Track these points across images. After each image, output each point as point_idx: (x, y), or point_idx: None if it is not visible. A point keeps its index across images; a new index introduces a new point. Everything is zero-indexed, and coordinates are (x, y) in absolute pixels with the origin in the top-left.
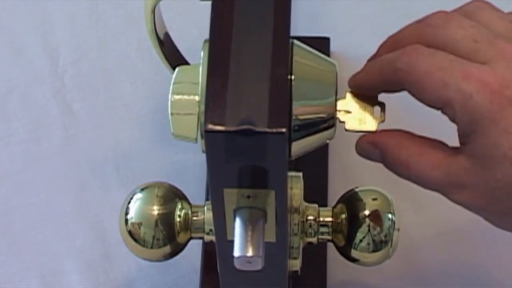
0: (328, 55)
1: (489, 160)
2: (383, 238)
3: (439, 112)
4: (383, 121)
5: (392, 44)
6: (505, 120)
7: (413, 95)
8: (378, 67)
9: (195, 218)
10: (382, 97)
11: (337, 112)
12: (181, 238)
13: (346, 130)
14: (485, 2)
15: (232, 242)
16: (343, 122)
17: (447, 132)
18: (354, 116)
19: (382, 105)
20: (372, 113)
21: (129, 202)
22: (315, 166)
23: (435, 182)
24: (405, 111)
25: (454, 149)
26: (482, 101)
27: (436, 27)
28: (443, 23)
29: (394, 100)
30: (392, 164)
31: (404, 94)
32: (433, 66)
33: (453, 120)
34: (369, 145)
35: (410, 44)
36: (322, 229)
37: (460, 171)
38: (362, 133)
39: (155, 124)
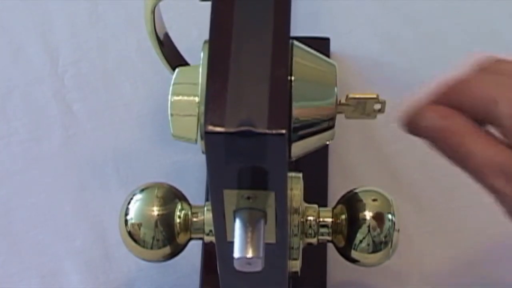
0: (328, 55)
1: None
2: (383, 239)
3: None
4: (382, 112)
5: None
6: None
7: (462, 103)
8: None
9: (195, 219)
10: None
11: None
12: (181, 238)
13: (346, 117)
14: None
15: (232, 243)
16: (342, 112)
17: None
18: (354, 106)
19: (382, 103)
20: (372, 106)
21: (129, 203)
22: (315, 167)
23: (482, 162)
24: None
25: None
26: None
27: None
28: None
29: (395, 100)
30: (448, 137)
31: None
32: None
33: (497, 121)
34: (438, 116)
35: None
36: (322, 230)
37: (509, 157)
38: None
39: (155, 124)
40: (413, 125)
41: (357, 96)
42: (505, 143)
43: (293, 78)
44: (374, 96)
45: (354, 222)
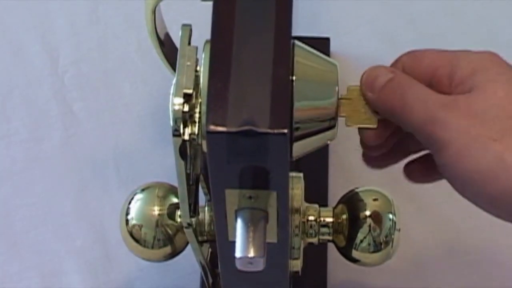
0: (328, 55)
1: (488, 84)
2: (384, 239)
3: None
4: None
5: None
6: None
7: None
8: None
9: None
10: None
11: (339, 104)
12: (182, 238)
13: (347, 125)
14: None
15: (233, 243)
16: (344, 117)
17: None
18: (355, 111)
19: None
20: (372, 111)
21: (129, 203)
22: (316, 167)
23: (430, 103)
24: None
25: None
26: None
27: None
28: None
29: None
30: (396, 85)
31: None
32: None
33: (451, 74)
34: (385, 69)
35: None
36: (323, 230)
37: (455, 97)
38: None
39: (155, 124)
40: (369, 83)
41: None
42: None
43: (294, 77)
44: None
45: (355, 221)
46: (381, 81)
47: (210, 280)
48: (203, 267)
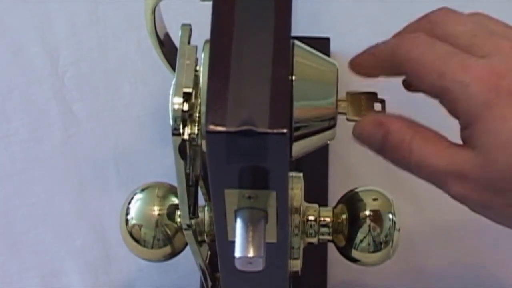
0: (328, 55)
1: (491, 148)
2: (384, 238)
3: (439, 111)
4: (383, 113)
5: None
6: (502, 107)
7: (410, 81)
8: (379, 49)
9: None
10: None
11: (338, 105)
12: (182, 238)
13: (348, 120)
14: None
15: (233, 242)
16: (344, 113)
17: (447, 131)
18: (355, 107)
19: (382, 102)
20: (373, 108)
21: (129, 203)
22: (315, 167)
23: (437, 171)
24: (405, 110)
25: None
26: (479, 90)
27: (437, 23)
28: (443, 19)
29: (394, 100)
30: (394, 147)
31: (405, 94)
32: (431, 55)
33: (451, 111)
34: (373, 126)
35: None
36: (323, 230)
37: (463, 161)
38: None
39: (155, 124)
40: (360, 138)
41: (357, 92)
42: (450, 141)
43: (294, 77)
44: (373, 92)
45: (355, 221)
46: (377, 139)
47: (210, 283)
48: (202, 270)
